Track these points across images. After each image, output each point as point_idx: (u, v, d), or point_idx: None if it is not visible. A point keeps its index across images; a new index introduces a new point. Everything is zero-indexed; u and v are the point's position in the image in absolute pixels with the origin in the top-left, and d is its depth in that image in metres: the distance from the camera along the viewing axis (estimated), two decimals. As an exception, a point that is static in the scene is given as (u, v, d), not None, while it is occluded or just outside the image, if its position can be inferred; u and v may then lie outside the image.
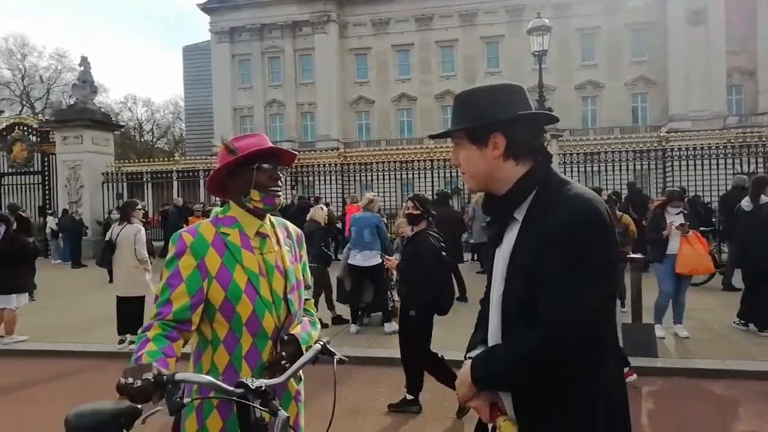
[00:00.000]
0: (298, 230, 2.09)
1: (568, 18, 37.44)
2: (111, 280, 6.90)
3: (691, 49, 33.65)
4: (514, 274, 1.37)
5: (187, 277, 1.72)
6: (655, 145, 15.36)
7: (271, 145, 1.86)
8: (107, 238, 6.66)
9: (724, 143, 14.39)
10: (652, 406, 4.72)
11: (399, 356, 5.92)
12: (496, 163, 1.43)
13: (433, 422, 4.37)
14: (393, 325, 6.77)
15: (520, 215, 1.41)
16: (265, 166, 1.82)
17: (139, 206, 6.95)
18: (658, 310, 6.45)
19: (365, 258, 7.18)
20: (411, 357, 4.57)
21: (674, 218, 6.35)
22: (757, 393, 4.86)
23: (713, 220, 12.06)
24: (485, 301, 1.59)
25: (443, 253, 4.54)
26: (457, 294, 8.97)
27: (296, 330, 1.86)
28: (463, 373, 1.45)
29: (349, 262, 7.32)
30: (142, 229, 6.71)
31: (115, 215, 11.75)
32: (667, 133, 16.47)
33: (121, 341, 6.50)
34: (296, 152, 2.03)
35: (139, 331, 1.70)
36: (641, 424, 4.27)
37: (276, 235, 1.92)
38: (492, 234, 1.53)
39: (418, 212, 4.55)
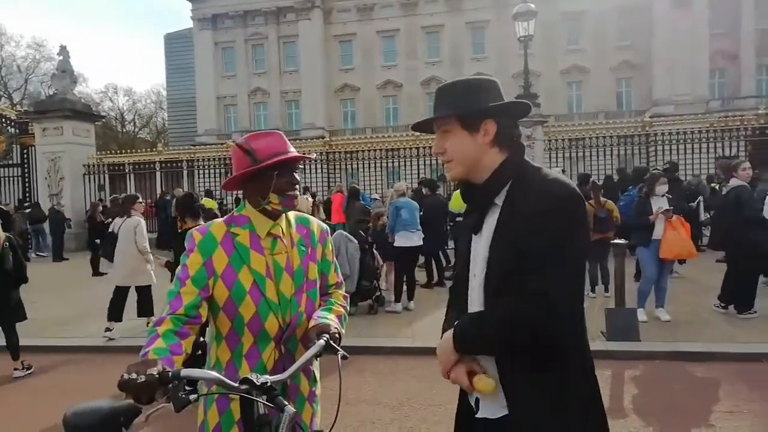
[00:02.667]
0: (324, 226, 2.04)
1: (554, 1, 37.38)
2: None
3: (675, 32, 33.75)
4: (497, 255, 1.46)
5: (194, 273, 1.74)
6: (639, 130, 15.48)
7: (287, 143, 1.83)
8: (110, 230, 7.05)
9: (707, 128, 14.53)
10: (634, 389, 4.79)
11: (386, 345, 6.01)
12: (484, 150, 1.52)
13: (420, 411, 4.39)
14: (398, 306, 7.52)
15: (500, 201, 1.50)
16: (285, 171, 1.80)
17: (140, 200, 7.25)
18: (641, 295, 6.53)
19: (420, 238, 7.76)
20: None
21: (659, 202, 6.40)
22: (736, 374, 4.95)
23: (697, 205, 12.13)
24: (457, 285, 1.66)
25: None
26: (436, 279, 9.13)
27: (313, 323, 1.81)
28: (444, 343, 1.53)
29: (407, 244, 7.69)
30: (142, 221, 7.03)
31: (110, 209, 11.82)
32: (650, 118, 16.61)
33: (108, 329, 6.61)
34: (311, 155, 2.01)
35: (151, 324, 1.71)
36: (623, 407, 4.34)
37: (290, 235, 1.89)
38: (472, 221, 1.60)
39: None
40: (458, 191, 8.26)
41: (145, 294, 6.84)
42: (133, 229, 6.77)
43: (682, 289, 7.78)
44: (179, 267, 1.80)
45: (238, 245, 1.80)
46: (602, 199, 7.88)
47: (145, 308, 6.81)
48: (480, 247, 1.53)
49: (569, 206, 1.41)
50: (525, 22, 13.94)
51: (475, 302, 1.54)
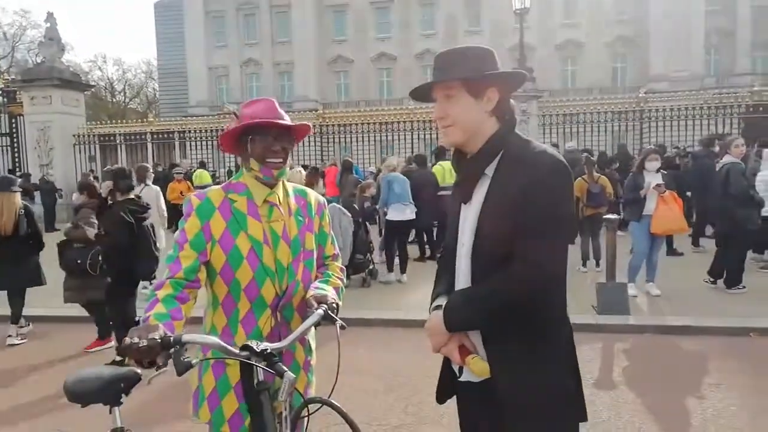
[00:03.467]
0: (321, 199, 2.05)
1: (552, -27, 36.86)
2: None
3: (671, 8, 33.41)
4: (488, 224, 1.49)
5: (192, 237, 1.75)
6: (634, 106, 15.43)
7: (277, 111, 1.81)
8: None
9: (701, 104, 14.51)
10: (623, 362, 4.87)
11: (378, 317, 6.05)
12: (485, 117, 1.55)
13: (413, 382, 4.45)
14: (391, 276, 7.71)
15: (490, 171, 1.53)
16: (259, 137, 1.78)
17: (151, 170, 7.98)
18: (631, 270, 6.59)
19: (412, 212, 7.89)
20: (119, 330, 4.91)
21: (653, 178, 6.42)
22: (724, 348, 5.04)
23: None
24: (446, 255, 1.69)
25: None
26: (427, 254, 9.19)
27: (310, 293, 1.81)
28: (434, 321, 1.56)
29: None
30: (159, 189, 7.76)
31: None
32: (645, 94, 16.54)
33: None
34: (306, 124, 1.95)
35: (151, 288, 1.73)
36: (612, 379, 4.41)
37: (288, 205, 1.89)
38: (461, 191, 1.61)
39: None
40: (437, 165, 8.29)
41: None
42: (155, 196, 7.31)
43: (672, 264, 7.85)
44: (177, 232, 1.79)
45: (236, 211, 1.80)
46: (595, 174, 7.88)
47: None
48: (469, 216, 1.56)
49: (558, 178, 1.44)
50: (522, -6, 13.74)
51: (462, 271, 1.58)
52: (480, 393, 1.56)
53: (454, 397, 1.74)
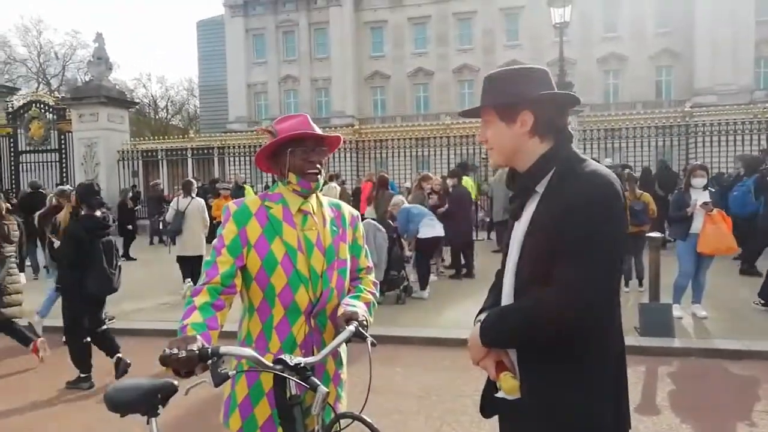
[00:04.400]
0: (355, 212, 2.08)
1: (591, -13, 36.35)
2: (174, 243, 8.60)
3: (718, 19, 32.41)
4: (531, 241, 1.48)
5: (229, 242, 1.79)
6: (679, 120, 14.96)
7: (310, 125, 1.87)
8: (177, 209, 8.17)
9: (750, 118, 13.98)
10: (668, 386, 4.66)
11: (414, 335, 5.98)
12: (523, 140, 1.53)
13: (446, 402, 4.36)
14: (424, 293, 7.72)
15: (540, 189, 1.50)
16: (300, 150, 1.83)
17: (199, 183, 8.90)
18: (677, 290, 6.34)
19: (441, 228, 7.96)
20: (69, 337, 5.06)
21: (699, 195, 6.18)
22: (775, 374, 4.78)
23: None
24: (501, 272, 1.67)
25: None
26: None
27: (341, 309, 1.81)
28: (473, 335, 1.56)
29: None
30: (203, 201, 8.60)
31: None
32: (691, 108, 16.02)
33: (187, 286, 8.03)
34: (338, 135, 2.04)
35: (189, 294, 1.77)
36: (656, 404, 4.23)
37: (322, 214, 1.93)
38: (514, 207, 1.61)
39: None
40: (468, 178, 8.16)
41: (200, 264, 7.83)
42: (201, 208, 8.19)
43: (720, 285, 7.54)
44: (215, 239, 1.84)
45: (272, 217, 1.85)
46: (638, 191, 7.66)
47: (197, 277, 7.61)
48: (518, 233, 1.55)
49: (605, 199, 1.39)
50: (561, 8, 13.58)
51: (507, 288, 1.57)
52: (514, 412, 1.53)
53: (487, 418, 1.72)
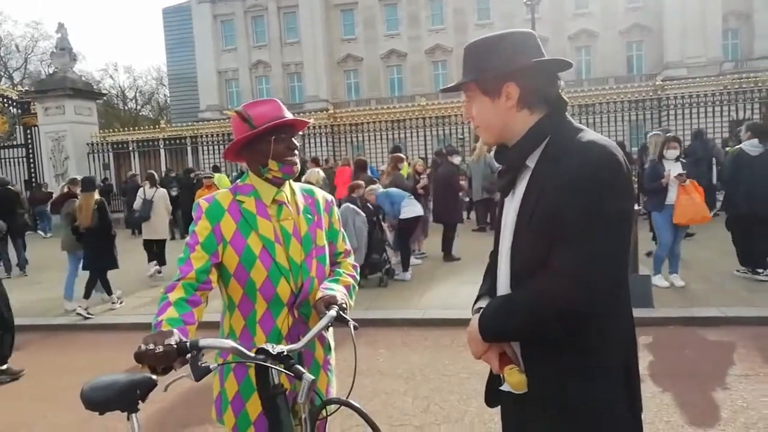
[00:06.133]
0: (328, 196, 2.05)
1: (562, -37, 36.35)
2: (140, 232, 9.43)
3: (686, -8, 32.81)
4: (524, 224, 1.35)
5: (203, 239, 1.75)
6: (651, 94, 15.15)
7: (287, 113, 1.84)
8: (144, 198, 8.92)
9: (720, 90, 14.21)
10: (648, 355, 4.73)
11: (397, 317, 5.98)
12: (510, 114, 1.40)
13: (432, 381, 4.38)
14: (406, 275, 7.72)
15: (531, 162, 1.37)
16: (283, 136, 1.80)
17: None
18: (657, 261, 6.45)
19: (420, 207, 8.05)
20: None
21: (673, 167, 6.26)
22: (751, 338, 4.89)
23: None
24: (494, 253, 1.56)
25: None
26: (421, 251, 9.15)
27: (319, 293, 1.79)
28: (472, 328, 1.43)
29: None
30: (165, 191, 9.53)
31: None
32: (662, 81, 16.23)
33: (158, 272, 8.81)
34: (309, 120, 2.02)
35: (162, 290, 1.72)
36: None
37: (295, 203, 1.89)
38: (503, 183, 1.48)
39: None
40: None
41: (163, 246, 9.04)
42: (165, 197, 9.13)
43: (695, 255, 7.68)
44: (188, 236, 1.80)
45: (245, 212, 1.81)
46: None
47: (162, 258, 8.88)
48: (510, 211, 1.43)
49: (603, 172, 1.24)
50: (532, -16, 13.55)
51: (503, 271, 1.45)
52: (520, 404, 1.44)
53: (474, 395, 1.66)
